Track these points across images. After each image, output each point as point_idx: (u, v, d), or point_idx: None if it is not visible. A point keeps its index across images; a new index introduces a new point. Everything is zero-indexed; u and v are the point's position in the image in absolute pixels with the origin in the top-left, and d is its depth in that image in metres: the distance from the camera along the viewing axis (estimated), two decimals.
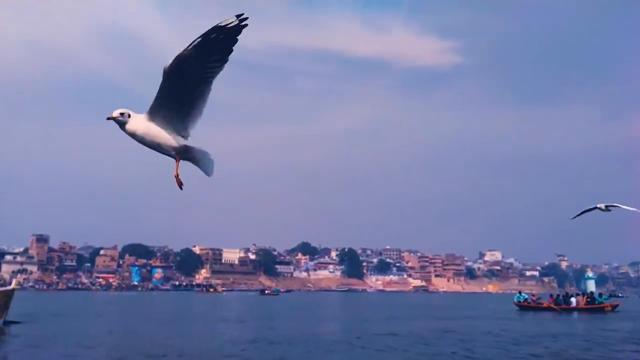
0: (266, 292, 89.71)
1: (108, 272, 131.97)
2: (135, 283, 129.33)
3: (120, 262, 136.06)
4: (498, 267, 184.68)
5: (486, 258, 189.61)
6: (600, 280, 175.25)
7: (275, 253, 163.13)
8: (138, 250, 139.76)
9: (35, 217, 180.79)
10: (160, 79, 3.61)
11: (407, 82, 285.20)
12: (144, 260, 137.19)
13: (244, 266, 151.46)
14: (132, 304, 50.20)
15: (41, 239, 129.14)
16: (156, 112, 3.89)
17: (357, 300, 70.44)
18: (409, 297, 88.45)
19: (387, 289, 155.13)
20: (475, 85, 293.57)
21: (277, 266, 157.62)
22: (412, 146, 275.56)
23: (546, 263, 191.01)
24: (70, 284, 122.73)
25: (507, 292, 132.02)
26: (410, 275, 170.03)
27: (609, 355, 14.48)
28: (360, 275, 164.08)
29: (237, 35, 3.59)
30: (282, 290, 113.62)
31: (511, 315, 33.56)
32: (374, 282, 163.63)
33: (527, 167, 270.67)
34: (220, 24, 3.53)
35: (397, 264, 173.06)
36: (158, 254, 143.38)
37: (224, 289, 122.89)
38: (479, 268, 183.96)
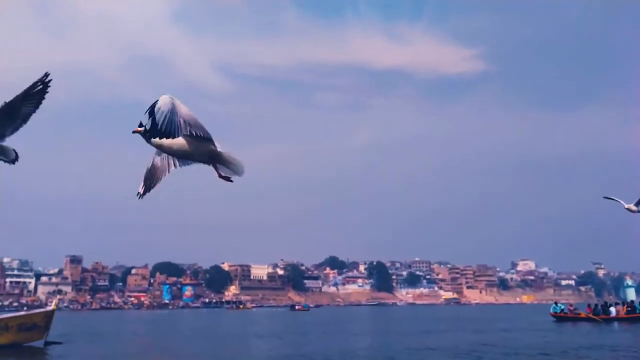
0: (296, 307, 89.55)
1: (140, 291, 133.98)
2: (167, 301, 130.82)
3: (152, 281, 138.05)
4: (532, 277, 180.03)
5: (519, 268, 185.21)
6: None
7: (303, 268, 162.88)
8: (168, 269, 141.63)
9: (69, 238, 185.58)
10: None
11: (430, 92, 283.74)
12: (175, 278, 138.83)
13: (273, 282, 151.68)
14: (166, 322, 50.72)
15: (75, 260, 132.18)
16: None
17: (389, 314, 69.56)
18: (441, 310, 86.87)
19: (418, 302, 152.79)
20: (499, 91, 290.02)
21: (306, 281, 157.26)
22: (438, 155, 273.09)
23: (582, 271, 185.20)
24: (103, 304, 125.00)
25: (543, 303, 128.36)
26: (441, 288, 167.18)
27: None
28: (389, 289, 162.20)
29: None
30: (311, 305, 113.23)
31: (549, 326, 32.59)
32: (404, 295, 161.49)
33: (558, 172, 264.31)
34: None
35: (427, 277, 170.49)
36: (188, 272, 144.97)
37: (253, 305, 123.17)
38: (511, 278, 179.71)
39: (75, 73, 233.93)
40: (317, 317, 54.03)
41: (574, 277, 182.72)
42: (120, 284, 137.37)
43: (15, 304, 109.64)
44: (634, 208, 17.99)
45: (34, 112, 5.25)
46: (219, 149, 4.12)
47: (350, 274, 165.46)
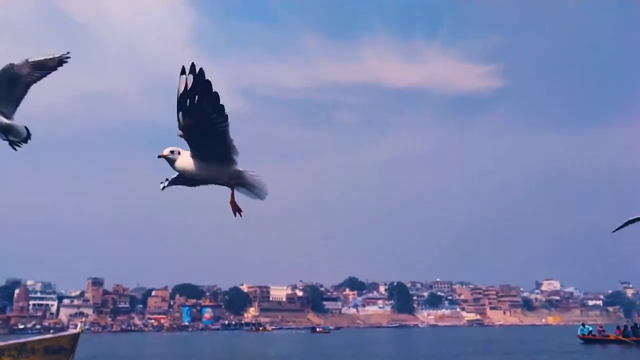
0: (317, 330, 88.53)
1: (159, 313, 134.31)
2: (186, 323, 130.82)
3: (171, 303, 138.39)
4: (557, 297, 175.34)
5: (543, 288, 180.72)
6: None
7: (322, 289, 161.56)
8: (188, 290, 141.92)
9: (91, 259, 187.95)
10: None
11: (448, 110, 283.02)
12: (194, 300, 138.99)
13: (292, 303, 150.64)
14: (186, 345, 50.61)
15: (96, 282, 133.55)
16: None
17: (412, 336, 68.32)
18: (465, 332, 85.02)
19: (440, 323, 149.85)
20: (519, 107, 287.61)
21: (325, 302, 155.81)
22: (458, 173, 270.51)
23: (609, 291, 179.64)
24: (123, 326, 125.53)
25: (569, 324, 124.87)
26: (463, 309, 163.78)
27: None
28: (410, 310, 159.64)
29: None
30: (331, 327, 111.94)
31: (577, 348, 31.69)
32: (426, 316, 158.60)
33: (583, 189, 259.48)
34: (179, 94, 3.59)
35: (449, 297, 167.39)
36: (207, 293, 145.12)
37: (272, 327, 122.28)
38: (536, 299, 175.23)
39: (92, 97, 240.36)
40: (339, 340, 53.33)
41: (601, 297, 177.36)
42: (141, 306, 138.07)
43: (37, 326, 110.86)
44: None
45: (35, 82, 5.18)
46: (241, 168, 4.12)
47: (370, 295, 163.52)
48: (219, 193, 4.15)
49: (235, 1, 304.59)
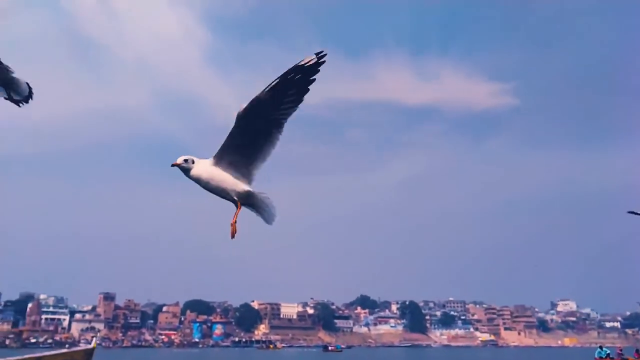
0: (330, 348, 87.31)
1: (170, 329, 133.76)
2: (197, 340, 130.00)
3: (182, 319, 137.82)
4: (573, 318, 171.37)
5: (559, 308, 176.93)
6: None
7: (334, 307, 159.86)
8: (199, 306, 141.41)
9: (103, 274, 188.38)
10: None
11: (460, 128, 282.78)
12: (205, 316, 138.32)
13: (303, 321, 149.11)
14: None
15: (108, 297, 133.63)
16: (223, 157, 3.93)
17: (424, 356, 67.04)
18: (479, 353, 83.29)
19: (453, 343, 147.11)
20: (533, 126, 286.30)
21: (336, 321, 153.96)
22: (471, 193, 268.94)
23: (627, 313, 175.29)
24: (134, 341, 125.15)
25: (586, 346, 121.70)
26: (477, 329, 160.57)
27: None
28: (423, 330, 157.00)
29: (314, 75, 3.67)
30: (343, 346, 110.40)
31: None
32: (439, 336, 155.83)
33: (597, 209, 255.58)
34: (299, 63, 3.60)
35: (462, 317, 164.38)
36: (218, 310, 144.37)
37: (283, 345, 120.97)
38: (551, 320, 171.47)
39: (104, 113, 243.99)
40: (352, 359, 52.43)
41: (619, 318, 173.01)
42: (152, 321, 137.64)
43: (49, 340, 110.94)
44: None
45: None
46: (252, 189, 4.03)
47: (382, 313, 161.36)
48: (232, 209, 4.03)
49: (248, 21, 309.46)
